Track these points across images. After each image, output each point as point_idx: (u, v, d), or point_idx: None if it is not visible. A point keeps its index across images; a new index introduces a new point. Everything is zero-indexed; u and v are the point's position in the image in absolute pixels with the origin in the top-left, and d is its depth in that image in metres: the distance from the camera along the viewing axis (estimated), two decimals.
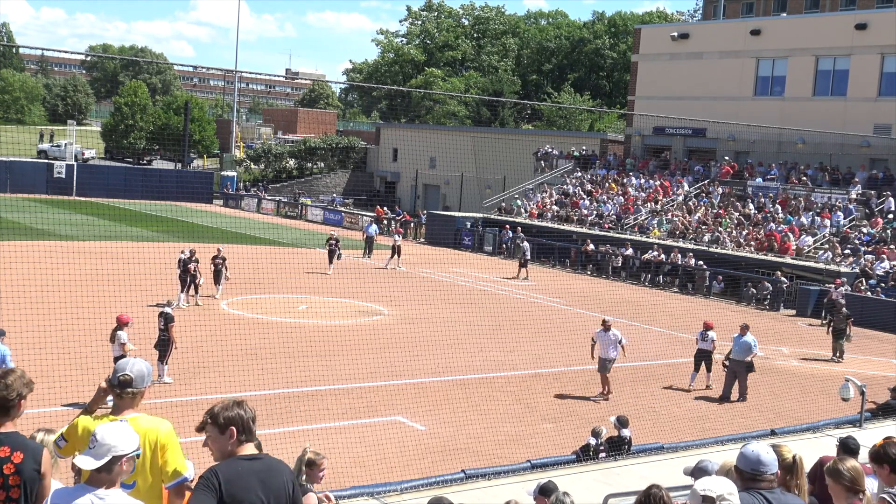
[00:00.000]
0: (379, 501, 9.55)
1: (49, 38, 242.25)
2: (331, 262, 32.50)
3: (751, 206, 39.34)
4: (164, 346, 16.63)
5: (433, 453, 13.30)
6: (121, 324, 15.07)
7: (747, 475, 4.78)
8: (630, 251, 37.51)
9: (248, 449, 4.42)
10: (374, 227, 40.42)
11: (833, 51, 42.32)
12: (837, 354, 23.40)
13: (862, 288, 30.56)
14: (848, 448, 8.17)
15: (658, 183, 44.41)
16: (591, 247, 38.33)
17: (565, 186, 47.91)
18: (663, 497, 5.54)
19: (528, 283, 33.52)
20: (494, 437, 14.72)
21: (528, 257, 35.64)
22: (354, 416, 15.36)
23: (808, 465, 7.93)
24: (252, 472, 4.31)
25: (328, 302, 25.67)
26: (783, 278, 32.10)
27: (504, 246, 42.02)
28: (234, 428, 4.36)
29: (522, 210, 46.11)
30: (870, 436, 10.62)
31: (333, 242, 32.74)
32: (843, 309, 24.18)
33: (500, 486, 9.92)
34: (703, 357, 18.93)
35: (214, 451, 4.41)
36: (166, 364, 16.66)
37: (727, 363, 18.48)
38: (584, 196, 45.71)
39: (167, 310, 16.85)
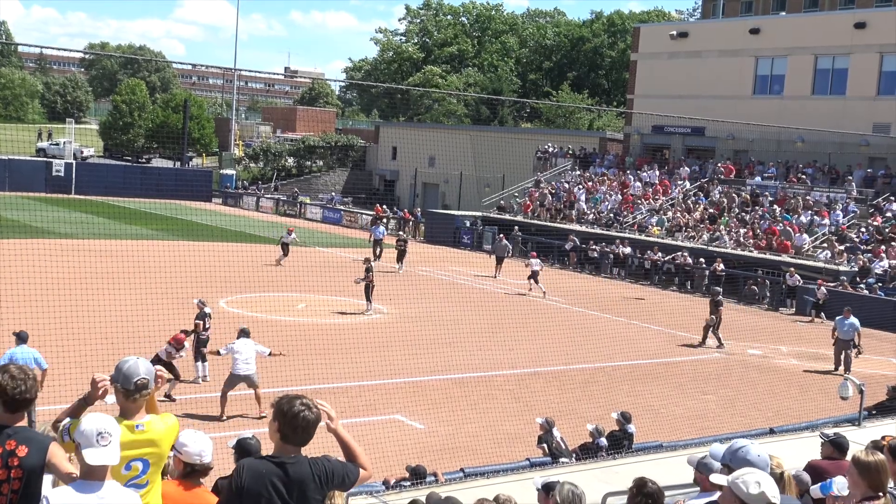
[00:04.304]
0: (378, 500, 9.55)
1: (40, 37, 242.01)
2: (400, 262, 33.59)
3: (749, 203, 39.34)
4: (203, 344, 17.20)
5: (432, 452, 13.30)
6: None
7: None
8: (629, 249, 37.53)
9: (289, 451, 4.46)
10: (382, 228, 39.96)
11: (832, 50, 42.32)
12: (713, 342, 23.60)
13: (861, 287, 30.60)
14: (841, 447, 8.09)
15: (657, 177, 44.43)
16: (596, 248, 38.32)
17: (564, 183, 47.88)
18: (657, 491, 5.53)
19: (505, 281, 33.54)
20: (493, 435, 14.72)
21: (505, 256, 35.38)
22: (353, 415, 15.35)
23: (802, 465, 7.95)
24: (273, 473, 4.38)
25: (327, 300, 25.66)
26: (797, 275, 31.77)
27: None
28: (277, 422, 4.46)
29: (514, 206, 46.04)
30: (869, 435, 10.62)
31: (403, 243, 34.08)
32: (718, 297, 24.22)
33: (500, 485, 9.91)
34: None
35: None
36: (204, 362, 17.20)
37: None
38: (582, 191, 45.66)
39: (207, 309, 17.46)
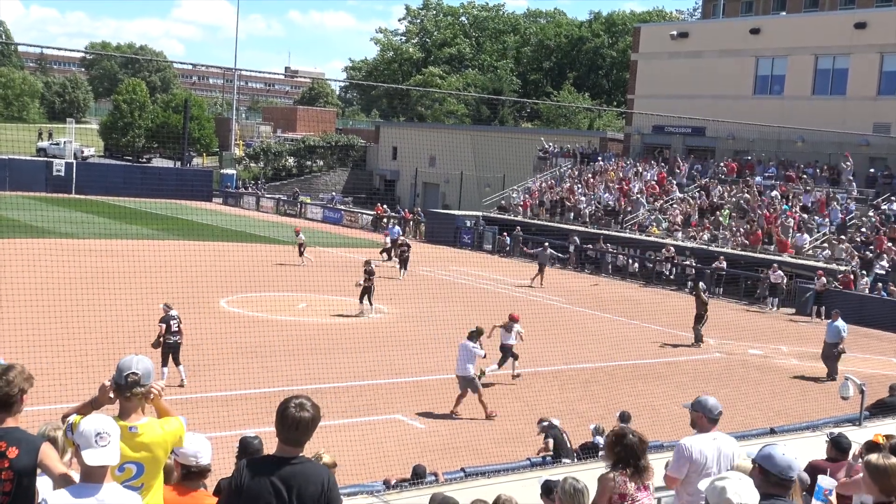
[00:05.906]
0: (379, 500, 9.54)
1: (40, 37, 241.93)
2: (404, 267, 32.98)
3: (749, 203, 39.33)
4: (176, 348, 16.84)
5: (432, 451, 13.30)
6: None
7: (774, 479, 4.68)
8: (630, 250, 37.52)
9: (287, 451, 4.46)
10: (398, 229, 39.84)
11: (832, 50, 42.31)
12: (696, 341, 23.70)
13: (860, 286, 30.58)
14: (841, 447, 8.09)
15: (657, 173, 44.40)
16: (595, 249, 38.26)
17: (565, 181, 47.87)
18: (637, 443, 5.60)
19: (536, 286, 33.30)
20: (494, 435, 14.72)
21: (547, 264, 34.02)
22: (354, 415, 15.36)
23: (803, 465, 7.95)
24: (273, 473, 4.38)
25: (328, 300, 25.65)
26: (780, 271, 31.67)
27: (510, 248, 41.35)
28: (275, 421, 4.49)
29: (514, 202, 45.99)
30: (870, 434, 10.61)
31: (405, 248, 33.63)
32: (703, 294, 24.24)
33: (500, 485, 9.90)
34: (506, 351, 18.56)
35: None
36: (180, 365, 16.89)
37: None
38: (582, 189, 45.63)
39: (173, 312, 16.91)
